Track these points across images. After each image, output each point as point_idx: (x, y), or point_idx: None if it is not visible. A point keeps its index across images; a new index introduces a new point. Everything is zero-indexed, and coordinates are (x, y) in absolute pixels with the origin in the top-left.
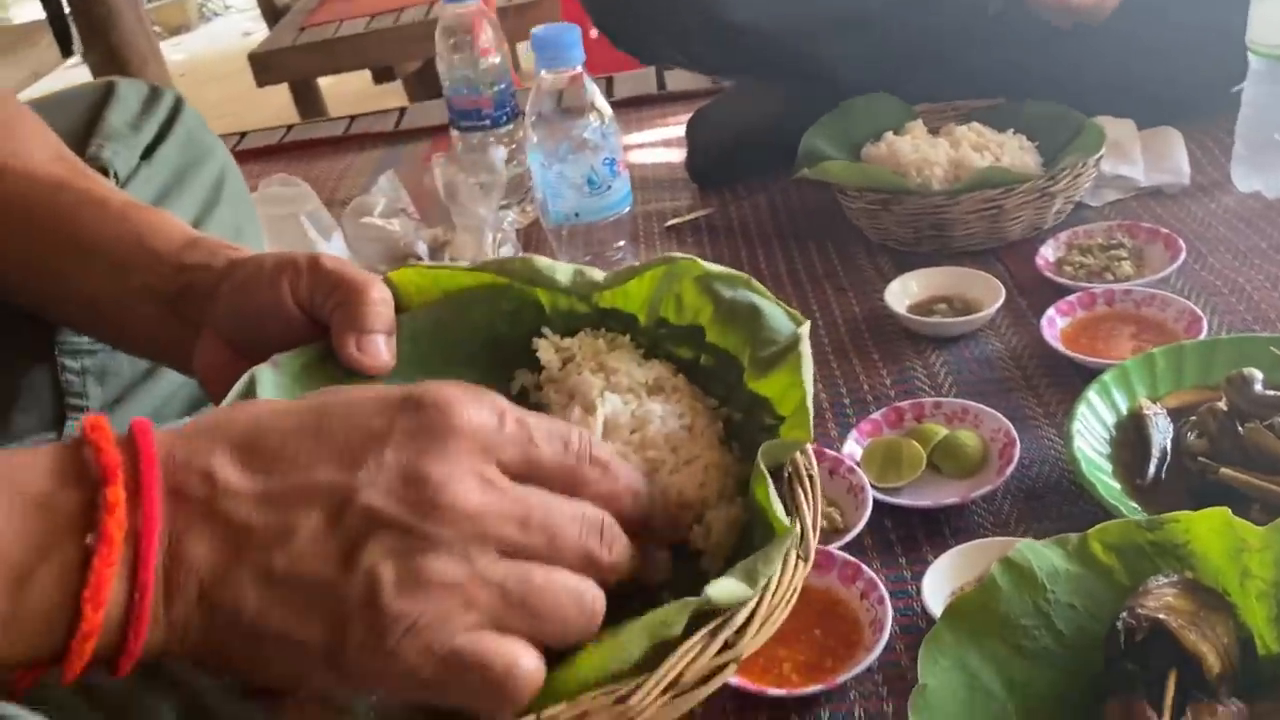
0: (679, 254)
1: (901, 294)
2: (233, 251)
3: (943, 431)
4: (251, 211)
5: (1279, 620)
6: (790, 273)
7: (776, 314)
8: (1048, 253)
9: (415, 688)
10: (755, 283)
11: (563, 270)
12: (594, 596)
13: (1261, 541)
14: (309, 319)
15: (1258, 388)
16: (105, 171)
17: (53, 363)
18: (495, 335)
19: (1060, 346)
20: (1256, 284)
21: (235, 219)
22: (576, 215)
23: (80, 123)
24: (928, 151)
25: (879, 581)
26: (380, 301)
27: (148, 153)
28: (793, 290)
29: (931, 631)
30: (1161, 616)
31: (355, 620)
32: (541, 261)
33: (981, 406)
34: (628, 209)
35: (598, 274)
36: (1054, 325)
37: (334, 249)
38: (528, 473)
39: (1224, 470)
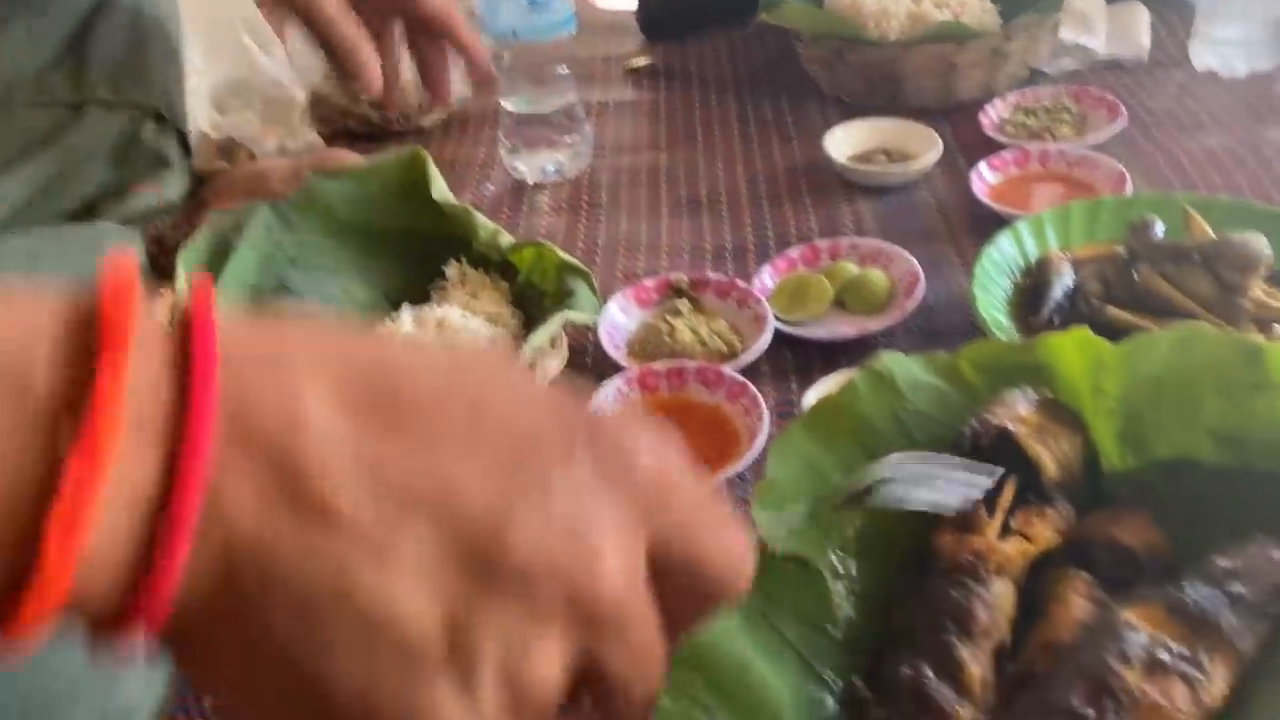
0: (547, 241)
1: (843, 143)
2: None
3: (854, 270)
4: None
5: (1124, 437)
6: (740, 119)
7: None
8: (993, 112)
9: None
10: (593, 279)
11: (485, 228)
12: None
13: (1115, 359)
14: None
15: (1156, 234)
16: None
17: None
18: (437, 237)
19: (986, 199)
20: (1192, 156)
21: None
22: (515, 34)
23: None
24: (888, 3)
25: (761, 399)
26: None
27: None
28: (739, 135)
29: (784, 430)
30: (1007, 424)
31: (420, 711)
32: (479, 217)
33: (895, 248)
34: (569, 33)
35: (506, 239)
36: (984, 179)
37: (276, 62)
38: (674, 566)
39: (1110, 309)
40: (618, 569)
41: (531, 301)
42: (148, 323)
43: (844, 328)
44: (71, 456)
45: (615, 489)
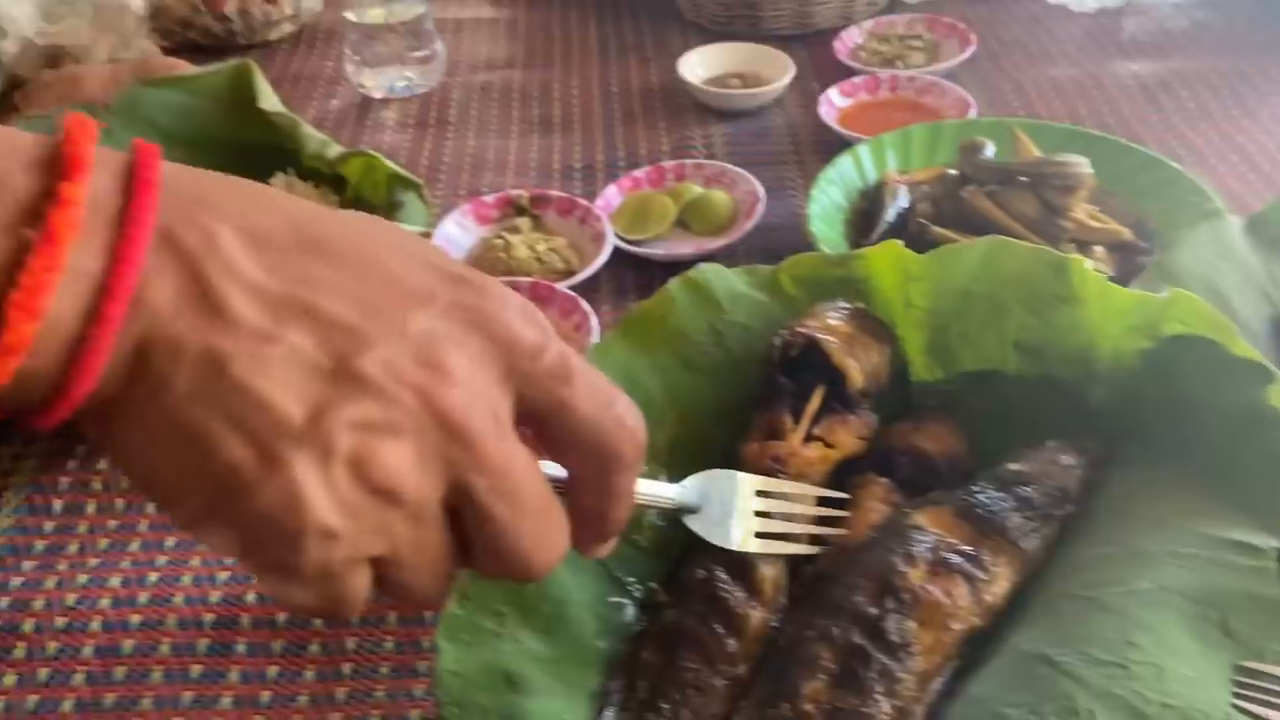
0: (375, 151)
1: (698, 66)
2: None
3: (698, 190)
4: None
5: (932, 349)
6: (600, 41)
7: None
8: (849, 39)
9: (272, 577)
10: (424, 191)
11: (313, 138)
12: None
13: (922, 270)
14: None
15: (985, 155)
16: None
17: None
18: (265, 149)
19: (835, 124)
20: (1038, 85)
21: None
22: None
23: None
24: None
25: (592, 315)
26: None
27: None
28: (597, 56)
29: (602, 338)
30: (816, 335)
31: (278, 476)
32: (306, 127)
33: (739, 170)
34: None
35: (335, 149)
36: (833, 105)
37: None
38: (546, 420)
39: (936, 229)
40: (467, 392)
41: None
42: (104, 153)
43: (684, 247)
44: (38, 242)
45: (474, 334)
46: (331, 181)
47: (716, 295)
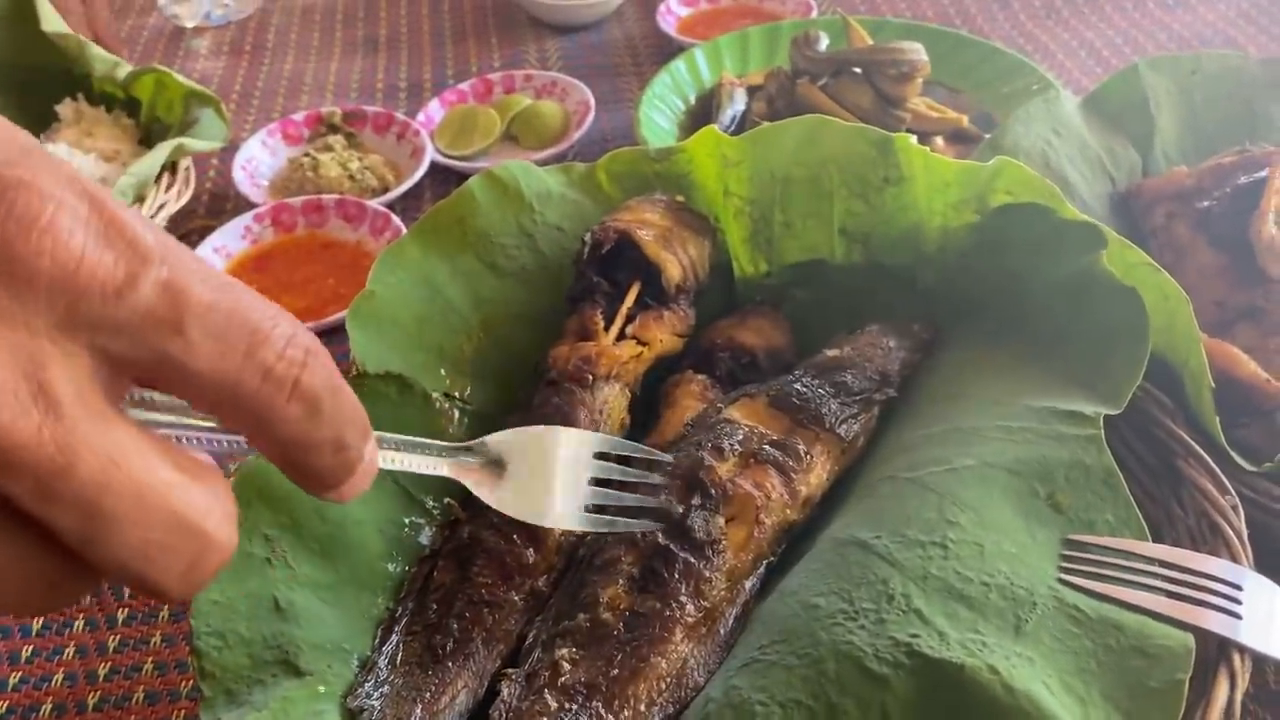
0: (165, 68)
1: None
2: None
3: (526, 102)
4: None
5: (754, 241)
6: None
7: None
8: None
9: None
10: (222, 106)
11: (102, 60)
12: None
13: (739, 154)
14: None
15: (819, 48)
16: None
17: None
18: (52, 73)
19: (674, 33)
20: None
21: None
22: None
23: None
24: None
25: (404, 230)
26: None
27: None
28: None
29: (395, 243)
30: (630, 228)
31: None
32: (94, 49)
33: (571, 80)
34: None
35: (125, 69)
36: (673, 14)
37: None
38: (159, 379)
39: (766, 125)
40: None
41: (159, 137)
42: None
43: (513, 159)
44: None
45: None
46: (126, 105)
47: (524, 193)
